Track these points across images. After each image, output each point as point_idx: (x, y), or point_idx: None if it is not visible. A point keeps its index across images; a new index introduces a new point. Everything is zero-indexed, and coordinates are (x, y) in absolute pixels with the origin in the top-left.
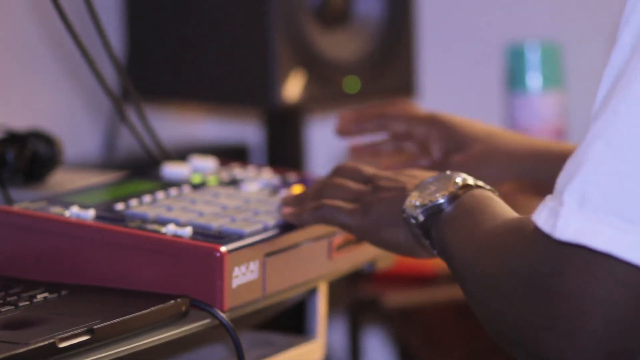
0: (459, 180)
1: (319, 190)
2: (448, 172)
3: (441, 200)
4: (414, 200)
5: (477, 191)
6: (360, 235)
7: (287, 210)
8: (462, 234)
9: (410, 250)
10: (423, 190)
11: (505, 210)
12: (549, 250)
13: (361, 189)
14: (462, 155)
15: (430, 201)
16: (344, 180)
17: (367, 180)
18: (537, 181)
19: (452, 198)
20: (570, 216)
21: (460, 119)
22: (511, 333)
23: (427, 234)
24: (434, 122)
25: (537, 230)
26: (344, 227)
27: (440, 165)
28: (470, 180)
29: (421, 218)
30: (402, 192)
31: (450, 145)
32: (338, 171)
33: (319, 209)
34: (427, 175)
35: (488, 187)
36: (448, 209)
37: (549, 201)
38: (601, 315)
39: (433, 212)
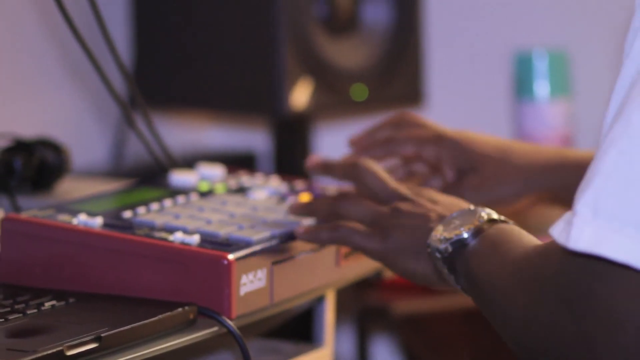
0: (483, 214)
1: (333, 206)
2: (472, 207)
3: (466, 235)
4: (439, 234)
5: (502, 225)
6: (378, 259)
7: (302, 230)
8: (492, 266)
9: (428, 281)
10: (448, 225)
11: (531, 240)
12: (573, 266)
13: (380, 210)
14: (475, 178)
15: (456, 235)
16: (360, 199)
17: (386, 199)
18: (555, 191)
19: (477, 232)
20: (583, 226)
21: (468, 135)
22: (547, 357)
23: (452, 268)
24: (443, 142)
25: (560, 249)
26: (362, 250)
27: (454, 188)
28: (495, 215)
29: (450, 249)
30: (425, 222)
31: (461, 164)
32: (356, 181)
33: (335, 229)
34: (446, 199)
35: (511, 221)
36: (473, 242)
37: (566, 213)
38: (633, 327)
39: (458, 246)
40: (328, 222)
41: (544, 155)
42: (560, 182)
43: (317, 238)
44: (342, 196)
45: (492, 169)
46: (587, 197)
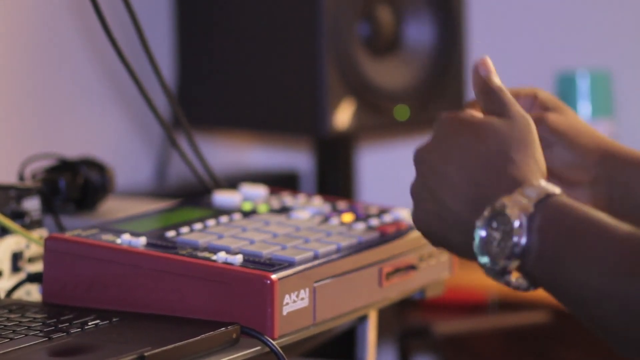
0: (531, 194)
1: None
2: (498, 206)
3: (520, 240)
4: (485, 262)
5: (552, 202)
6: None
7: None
8: (579, 254)
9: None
10: (489, 249)
11: (610, 219)
12: None
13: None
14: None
15: (507, 246)
16: None
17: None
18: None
19: (530, 229)
20: None
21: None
22: None
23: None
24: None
25: None
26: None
27: None
28: (533, 195)
29: (507, 263)
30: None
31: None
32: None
33: None
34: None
35: (556, 190)
36: (532, 240)
37: None
38: None
39: (517, 252)
40: None
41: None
42: (606, 173)
43: None
44: None
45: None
46: None
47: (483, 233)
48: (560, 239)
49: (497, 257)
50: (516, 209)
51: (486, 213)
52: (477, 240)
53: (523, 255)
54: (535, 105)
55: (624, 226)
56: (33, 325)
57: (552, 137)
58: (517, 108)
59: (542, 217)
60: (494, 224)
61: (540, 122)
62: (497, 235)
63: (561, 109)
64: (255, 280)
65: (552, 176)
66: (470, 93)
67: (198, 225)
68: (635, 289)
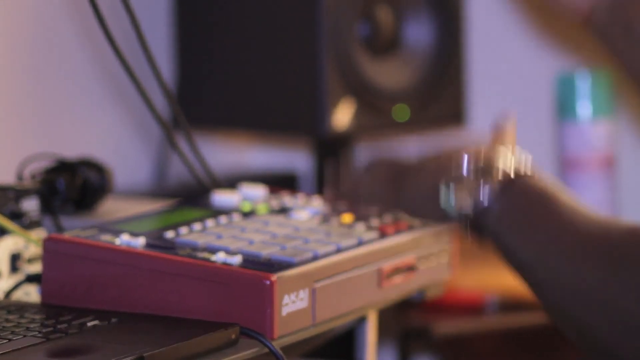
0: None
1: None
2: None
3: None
4: (451, 199)
5: (530, 182)
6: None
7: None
8: (535, 232)
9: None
10: (459, 190)
11: (581, 208)
12: None
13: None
14: None
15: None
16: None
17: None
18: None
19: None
20: None
21: None
22: (608, 343)
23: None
24: None
25: None
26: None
27: None
28: (515, 169)
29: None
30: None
31: None
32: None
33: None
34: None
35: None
36: (497, 207)
37: None
38: None
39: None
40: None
41: None
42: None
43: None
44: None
45: None
46: None
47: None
48: (521, 217)
49: (467, 198)
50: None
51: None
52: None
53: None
54: None
55: (586, 213)
56: (32, 326)
57: None
58: None
59: (512, 192)
60: (473, 170)
61: None
62: (472, 178)
63: None
64: (254, 280)
65: None
66: (471, 93)
67: (197, 226)
68: (582, 275)
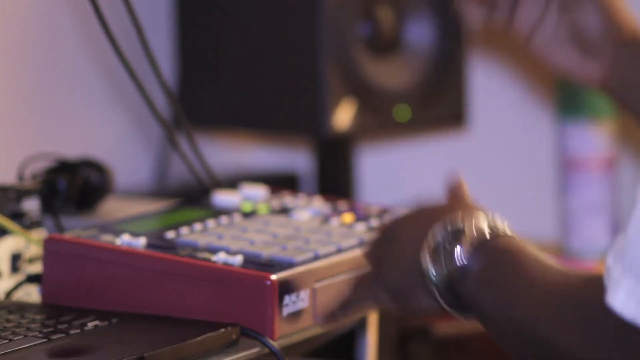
0: (477, 228)
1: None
2: (454, 226)
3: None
4: (430, 267)
5: (501, 241)
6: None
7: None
8: (507, 293)
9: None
10: (437, 257)
11: (547, 261)
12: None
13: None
14: None
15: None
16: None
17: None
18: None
19: (475, 253)
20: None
21: None
22: None
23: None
24: None
25: (616, 317)
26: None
27: None
28: (486, 229)
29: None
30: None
31: None
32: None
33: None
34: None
35: (506, 231)
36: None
37: (622, 279)
38: None
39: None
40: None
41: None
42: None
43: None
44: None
45: None
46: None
47: (438, 237)
48: (498, 277)
49: (445, 264)
50: (472, 229)
51: (442, 227)
52: (429, 245)
53: (463, 272)
54: None
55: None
56: (32, 326)
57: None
58: None
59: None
60: (445, 235)
61: None
62: (446, 243)
63: None
64: (255, 281)
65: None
66: (471, 93)
67: (198, 226)
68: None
